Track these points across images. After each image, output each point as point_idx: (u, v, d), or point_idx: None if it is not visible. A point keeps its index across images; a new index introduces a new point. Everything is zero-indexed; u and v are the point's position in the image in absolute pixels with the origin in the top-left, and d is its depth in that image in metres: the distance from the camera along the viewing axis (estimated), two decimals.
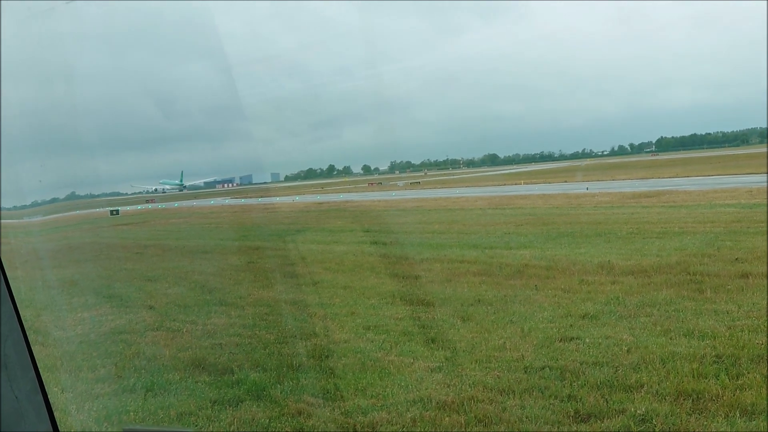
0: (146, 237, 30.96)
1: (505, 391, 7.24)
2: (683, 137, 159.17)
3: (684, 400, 6.66)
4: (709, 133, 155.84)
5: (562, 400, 6.90)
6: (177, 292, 14.99)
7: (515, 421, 6.51)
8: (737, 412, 6.29)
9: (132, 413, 7.38)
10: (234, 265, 19.04)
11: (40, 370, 2.74)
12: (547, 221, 24.72)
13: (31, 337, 2.75)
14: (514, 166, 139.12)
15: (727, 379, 7.07)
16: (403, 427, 6.58)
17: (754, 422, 6.12)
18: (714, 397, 6.66)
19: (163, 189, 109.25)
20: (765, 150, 65.03)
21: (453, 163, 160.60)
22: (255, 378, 8.22)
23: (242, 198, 70.93)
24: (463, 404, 6.95)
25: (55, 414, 2.78)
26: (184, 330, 10.95)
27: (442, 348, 9.14)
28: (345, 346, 9.40)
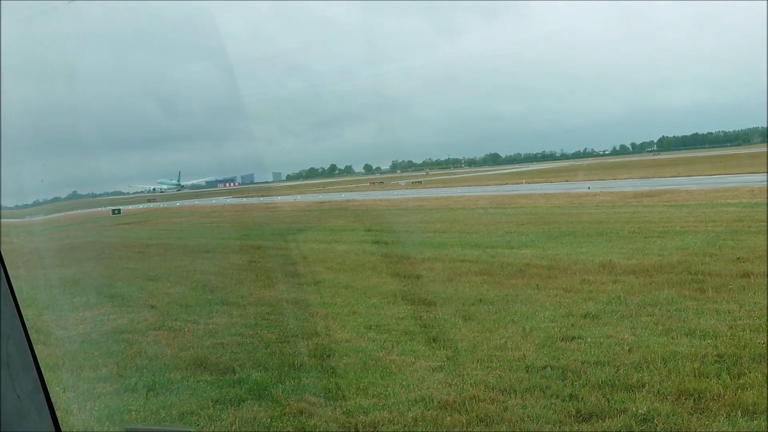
0: (148, 236, 30.98)
1: (506, 391, 7.24)
2: (685, 137, 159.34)
3: (685, 399, 6.66)
4: (711, 133, 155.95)
5: (564, 400, 6.89)
6: (179, 291, 15.01)
7: (517, 421, 6.51)
8: (739, 412, 6.28)
9: (134, 412, 7.39)
10: (236, 264, 19.06)
11: (42, 369, 2.74)
12: (548, 220, 24.70)
13: (33, 337, 2.76)
14: (516, 166, 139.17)
15: (729, 379, 7.06)
16: (405, 426, 6.58)
17: (755, 422, 6.12)
18: (715, 397, 6.65)
19: (161, 189, 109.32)
20: (766, 149, 64.96)
21: (454, 163, 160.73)
22: (257, 377, 8.22)
23: (244, 197, 70.94)
24: (465, 404, 6.95)
25: (57, 413, 2.78)
26: (186, 329, 10.96)
27: (443, 347, 9.15)
28: (346, 346, 9.40)
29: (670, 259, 14.18)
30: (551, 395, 7.03)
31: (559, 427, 6.34)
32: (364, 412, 6.96)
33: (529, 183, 59.66)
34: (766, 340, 8.22)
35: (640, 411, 6.43)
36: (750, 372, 7.20)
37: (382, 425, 6.63)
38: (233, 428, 6.88)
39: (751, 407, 6.35)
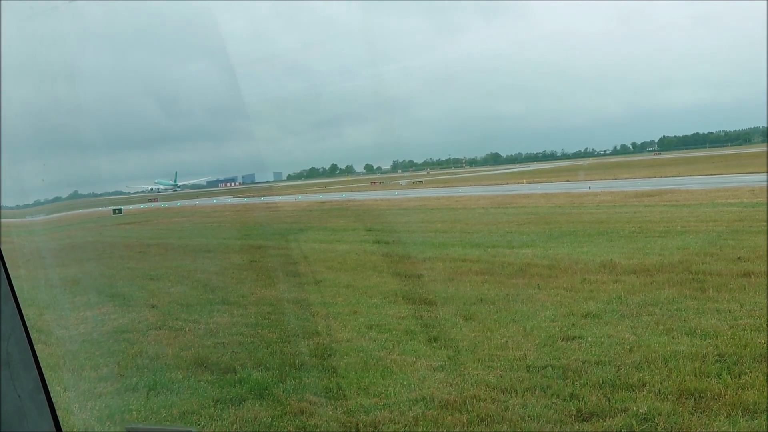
0: (149, 236, 31.00)
1: (507, 390, 7.25)
2: (685, 136, 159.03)
3: (686, 399, 6.66)
4: (712, 132, 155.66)
5: (565, 399, 6.90)
6: (179, 291, 15.02)
7: (517, 420, 6.51)
8: (739, 411, 6.28)
9: (134, 412, 7.40)
10: (236, 264, 19.06)
11: (43, 368, 2.75)
12: (549, 220, 24.69)
13: (33, 336, 2.76)
14: (517, 165, 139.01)
15: (729, 378, 7.06)
16: (406, 426, 6.59)
17: (756, 421, 6.12)
18: (716, 396, 6.65)
19: (158, 189, 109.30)
20: (766, 149, 64.90)
21: (455, 163, 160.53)
22: (257, 377, 8.23)
23: (245, 197, 70.93)
24: (466, 403, 6.96)
25: (57, 413, 2.79)
26: (187, 329, 10.96)
27: (444, 347, 9.15)
28: (347, 345, 9.41)
29: (671, 259, 14.17)
30: (552, 395, 7.03)
31: (560, 426, 6.34)
32: (365, 412, 6.97)
33: (529, 183, 59.63)
34: (766, 340, 8.22)
35: (640, 410, 6.43)
36: (751, 371, 7.20)
37: (383, 425, 6.63)
38: (234, 428, 6.88)
39: (751, 407, 6.35)
